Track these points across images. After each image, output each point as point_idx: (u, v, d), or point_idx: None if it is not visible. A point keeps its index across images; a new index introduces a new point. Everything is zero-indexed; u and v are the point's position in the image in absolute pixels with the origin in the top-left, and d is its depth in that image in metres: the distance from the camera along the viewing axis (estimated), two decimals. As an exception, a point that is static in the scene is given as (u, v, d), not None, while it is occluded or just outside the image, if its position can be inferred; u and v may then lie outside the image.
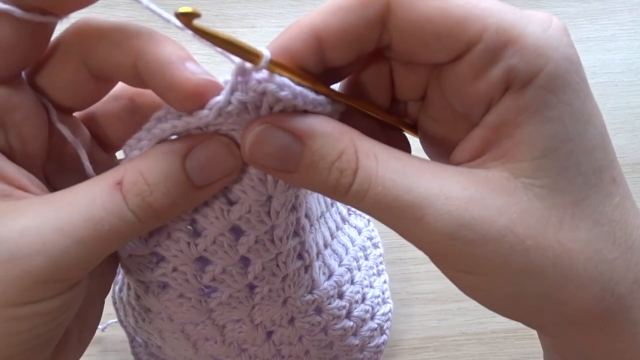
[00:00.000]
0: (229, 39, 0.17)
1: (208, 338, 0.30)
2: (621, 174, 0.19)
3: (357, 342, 0.35)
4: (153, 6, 0.18)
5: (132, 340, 0.38)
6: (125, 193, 0.18)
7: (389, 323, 0.38)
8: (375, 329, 0.36)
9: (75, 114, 0.24)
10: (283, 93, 0.18)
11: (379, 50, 0.20)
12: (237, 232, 0.24)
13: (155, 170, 0.19)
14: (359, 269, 0.36)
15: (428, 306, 0.44)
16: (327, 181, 0.18)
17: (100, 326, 0.41)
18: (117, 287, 0.32)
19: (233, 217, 0.23)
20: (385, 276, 0.40)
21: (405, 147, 0.23)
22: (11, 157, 0.20)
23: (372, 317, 0.36)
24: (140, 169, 0.19)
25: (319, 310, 0.31)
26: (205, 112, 0.18)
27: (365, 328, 0.36)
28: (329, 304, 0.31)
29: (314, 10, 0.18)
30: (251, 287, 0.27)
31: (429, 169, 0.18)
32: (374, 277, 0.39)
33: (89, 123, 0.24)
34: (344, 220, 0.36)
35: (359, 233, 0.38)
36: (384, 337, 0.38)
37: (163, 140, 0.20)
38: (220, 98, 0.18)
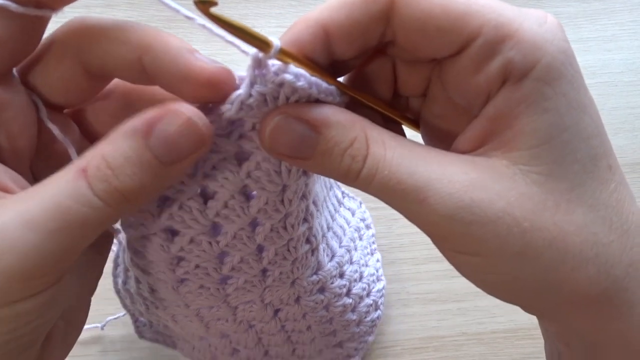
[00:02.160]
0: (243, 27, 0.17)
1: (220, 318, 0.31)
2: (616, 161, 0.20)
3: (354, 317, 0.38)
4: None
5: (135, 321, 0.39)
6: (90, 179, 0.18)
7: (382, 299, 0.41)
8: (371, 305, 0.39)
9: (65, 110, 0.24)
10: (300, 83, 0.18)
11: (382, 47, 0.20)
12: (253, 222, 0.25)
13: (117, 153, 0.18)
14: (356, 249, 0.38)
15: (428, 306, 0.44)
16: (340, 167, 0.19)
17: (98, 324, 0.41)
18: (119, 280, 0.33)
19: (253, 211, 0.24)
20: (377, 255, 0.43)
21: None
22: None
23: (368, 294, 0.39)
24: (102, 153, 0.18)
25: (322, 290, 0.33)
26: (227, 106, 0.19)
27: (362, 304, 0.38)
28: (332, 283, 0.33)
29: (319, 5, 0.19)
30: (264, 271, 0.28)
31: (433, 155, 0.19)
32: (369, 256, 0.41)
33: (79, 119, 0.24)
34: (339, 203, 0.38)
35: (353, 215, 0.40)
36: (378, 312, 0.40)
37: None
38: (241, 91, 0.19)
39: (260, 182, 0.22)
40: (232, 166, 0.22)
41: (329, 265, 0.33)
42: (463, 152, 0.20)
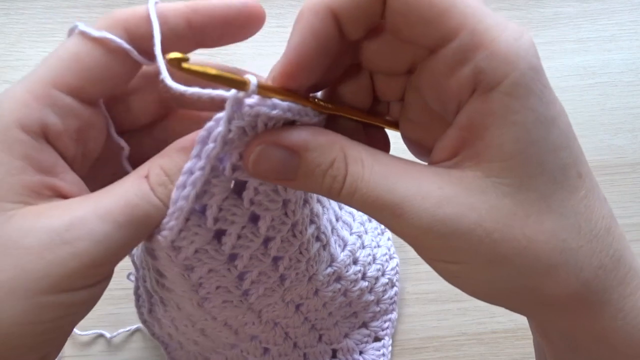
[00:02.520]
0: (218, 74, 0.18)
1: (247, 322, 0.33)
2: (587, 168, 0.21)
3: (372, 297, 0.40)
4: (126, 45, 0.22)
5: (166, 347, 0.40)
6: (152, 184, 0.22)
7: (397, 275, 0.43)
8: (387, 284, 0.41)
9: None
10: (274, 112, 0.20)
11: (357, 61, 0.22)
12: (265, 240, 0.27)
13: (172, 164, 0.22)
14: (366, 232, 0.39)
15: (428, 306, 0.44)
16: (322, 186, 0.21)
17: (105, 332, 0.41)
18: (144, 310, 0.35)
19: (263, 232, 0.25)
20: (388, 233, 0.44)
21: (386, 143, 0.26)
22: (71, 163, 0.23)
23: (383, 274, 0.41)
24: (160, 164, 0.22)
25: (338, 279, 0.35)
26: (210, 145, 0.21)
27: (378, 284, 0.40)
28: (347, 271, 0.35)
29: None
30: (282, 277, 0.30)
31: (408, 171, 0.20)
32: (379, 236, 0.43)
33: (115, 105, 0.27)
34: None
35: None
36: (395, 289, 0.43)
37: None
38: (220, 128, 0.20)
39: (263, 204, 0.24)
40: (234, 201, 0.23)
41: (342, 256, 0.34)
42: (441, 160, 0.21)
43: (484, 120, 0.19)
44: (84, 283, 0.21)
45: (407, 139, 0.25)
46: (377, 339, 0.42)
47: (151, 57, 0.22)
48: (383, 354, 0.42)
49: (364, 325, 0.42)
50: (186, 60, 0.18)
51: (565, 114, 0.20)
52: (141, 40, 0.22)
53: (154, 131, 0.28)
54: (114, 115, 0.25)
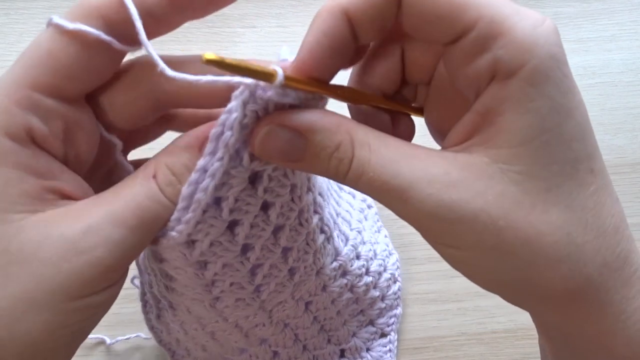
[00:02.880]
0: (249, 66, 0.18)
1: (257, 324, 0.33)
2: (601, 164, 0.20)
3: (377, 293, 0.40)
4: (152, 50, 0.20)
5: (172, 355, 0.39)
6: (160, 183, 0.22)
7: (399, 271, 0.43)
8: (390, 279, 0.42)
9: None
10: (287, 99, 0.20)
11: (391, 34, 0.22)
12: (275, 229, 0.27)
13: (179, 163, 0.22)
14: (364, 229, 0.39)
15: (428, 306, 0.44)
16: (328, 168, 0.21)
17: (105, 337, 0.41)
18: (152, 316, 0.35)
19: (273, 219, 0.26)
20: (384, 231, 0.45)
21: (411, 127, 0.25)
22: (55, 153, 0.22)
23: (385, 269, 0.41)
24: (166, 163, 0.22)
25: (344, 274, 0.36)
26: (227, 133, 0.20)
27: (382, 280, 0.41)
28: (351, 265, 0.36)
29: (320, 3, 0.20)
30: (291, 270, 0.30)
31: (416, 155, 0.20)
32: (377, 233, 0.43)
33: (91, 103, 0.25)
34: (340, 188, 0.40)
35: (354, 197, 0.42)
36: (398, 284, 0.43)
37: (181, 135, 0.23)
38: (235, 114, 0.20)
39: (275, 190, 0.24)
40: (249, 191, 0.23)
41: (346, 250, 0.35)
42: (452, 145, 0.21)
43: (498, 107, 0.19)
44: (102, 286, 0.21)
45: (430, 124, 0.25)
46: (383, 335, 0.42)
47: (135, 43, 0.21)
48: (390, 350, 0.42)
49: (371, 322, 0.42)
50: (221, 61, 0.18)
51: (584, 107, 0.20)
52: (121, 25, 0.20)
53: (149, 133, 0.27)
54: (103, 110, 0.24)
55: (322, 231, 0.31)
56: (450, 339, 0.43)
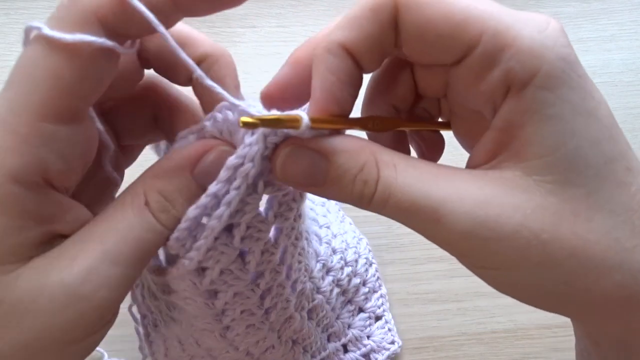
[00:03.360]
0: (277, 118, 0.19)
1: (268, 347, 0.33)
2: (637, 162, 0.19)
3: (358, 280, 0.41)
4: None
5: None
6: (153, 212, 0.21)
7: (371, 253, 0.44)
8: (366, 263, 0.43)
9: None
10: (307, 133, 0.20)
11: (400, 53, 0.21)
12: (282, 251, 0.27)
13: (172, 188, 0.21)
14: (331, 222, 0.40)
15: (428, 306, 0.44)
16: (352, 192, 0.19)
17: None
18: (159, 356, 0.34)
19: (281, 243, 0.26)
20: (348, 219, 0.45)
21: (440, 143, 0.25)
22: (68, 186, 0.21)
23: (359, 255, 0.42)
24: (158, 189, 0.21)
25: (328, 271, 0.37)
26: (248, 165, 0.20)
27: (359, 266, 0.42)
28: (331, 262, 0.37)
29: (328, 28, 0.20)
30: (293, 285, 0.31)
31: (445, 174, 0.19)
32: (342, 224, 0.44)
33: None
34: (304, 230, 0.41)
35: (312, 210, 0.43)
36: (374, 265, 0.44)
37: (172, 151, 0.23)
38: (257, 146, 0.20)
39: (284, 215, 0.25)
40: (261, 217, 0.24)
41: (323, 249, 0.36)
42: (478, 165, 0.20)
43: (519, 119, 0.18)
44: (102, 325, 0.21)
45: (459, 137, 0.24)
46: (378, 318, 0.43)
47: (131, 43, 0.20)
48: (389, 329, 0.42)
49: (361, 309, 0.42)
50: (258, 122, 0.18)
51: (607, 105, 0.19)
52: (119, 25, 0.19)
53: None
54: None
55: (304, 237, 0.31)
56: (450, 339, 0.43)
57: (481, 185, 0.18)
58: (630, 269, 0.18)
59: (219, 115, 0.21)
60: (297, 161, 0.20)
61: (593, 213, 0.18)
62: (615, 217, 0.18)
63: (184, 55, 0.19)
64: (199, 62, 0.22)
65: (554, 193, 0.18)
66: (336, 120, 0.20)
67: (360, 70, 0.20)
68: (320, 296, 0.35)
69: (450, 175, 0.19)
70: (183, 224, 0.21)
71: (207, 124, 0.22)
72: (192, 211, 0.21)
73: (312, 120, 0.19)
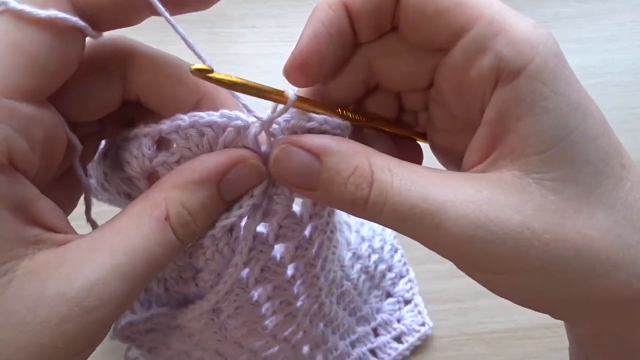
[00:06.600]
0: (256, 85, 0.18)
1: (301, 332, 0.33)
2: (629, 159, 0.19)
3: (384, 265, 0.43)
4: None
5: None
6: (173, 226, 0.19)
7: (396, 240, 0.45)
8: (391, 249, 0.44)
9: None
10: (310, 124, 0.20)
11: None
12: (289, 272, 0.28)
13: (196, 202, 0.20)
14: (353, 231, 0.42)
15: (428, 306, 0.44)
16: (344, 195, 0.19)
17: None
18: None
19: (288, 259, 0.26)
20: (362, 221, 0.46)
21: (418, 154, 0.25)
22: (31, 171, 0.19)
23: (385, 242, 0.44)
24: (181, 201, 0.20)
25: (358, 258, 0.39)
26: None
27: (385, 253, 0.43)
28: (360, 250, 0.39)
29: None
30: (326, 275, 0.31)
31: (442, 178, 0.19)
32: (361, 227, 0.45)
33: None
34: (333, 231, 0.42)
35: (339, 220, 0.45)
36: (400, 251, 0.45)
37: (194, 159, 0.21)
38: (264, 148, 0.21)
39: (287, 235, 0.25)
40: (263, 238, 0.24)
41: (353, 237, 0.38)
42: (473, 165, 0.20)
43: (513, 110, 0.18)
44: (101, 338, 0.20)
45: (436, 149, 0.24)
46: (407, 302, 0.44)
47: (99, 27, 0.19)
48: (419, 312, 0.43)
49: (389, 294, 0.43)
50: (211, 71, 0.17)
51: (596, 104, 0.19)
52: (90, 8, 0.18)
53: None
54: (68, 105, 0.21)
55: (338, 229, 0.32)
56: (450, 339, 0.43)
57: (480, 188, 0.18)
58: (634, 266, 0.18)
59: (219, 115, 0.21)
60: (289, 159, 0.20)
61: (594, 210, 0.18)
62: (616, 213, 0.18)
63: (179, 28, 0.19)
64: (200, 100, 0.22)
65: (555, 191, 0.18)
66: (316, 104, 0.20)
67: (353, 35, 0.20)
68: (348, 283, 0.36)
69: (447, 179, 0.19)
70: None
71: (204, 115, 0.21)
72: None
73: (298, 98, 0.19)
